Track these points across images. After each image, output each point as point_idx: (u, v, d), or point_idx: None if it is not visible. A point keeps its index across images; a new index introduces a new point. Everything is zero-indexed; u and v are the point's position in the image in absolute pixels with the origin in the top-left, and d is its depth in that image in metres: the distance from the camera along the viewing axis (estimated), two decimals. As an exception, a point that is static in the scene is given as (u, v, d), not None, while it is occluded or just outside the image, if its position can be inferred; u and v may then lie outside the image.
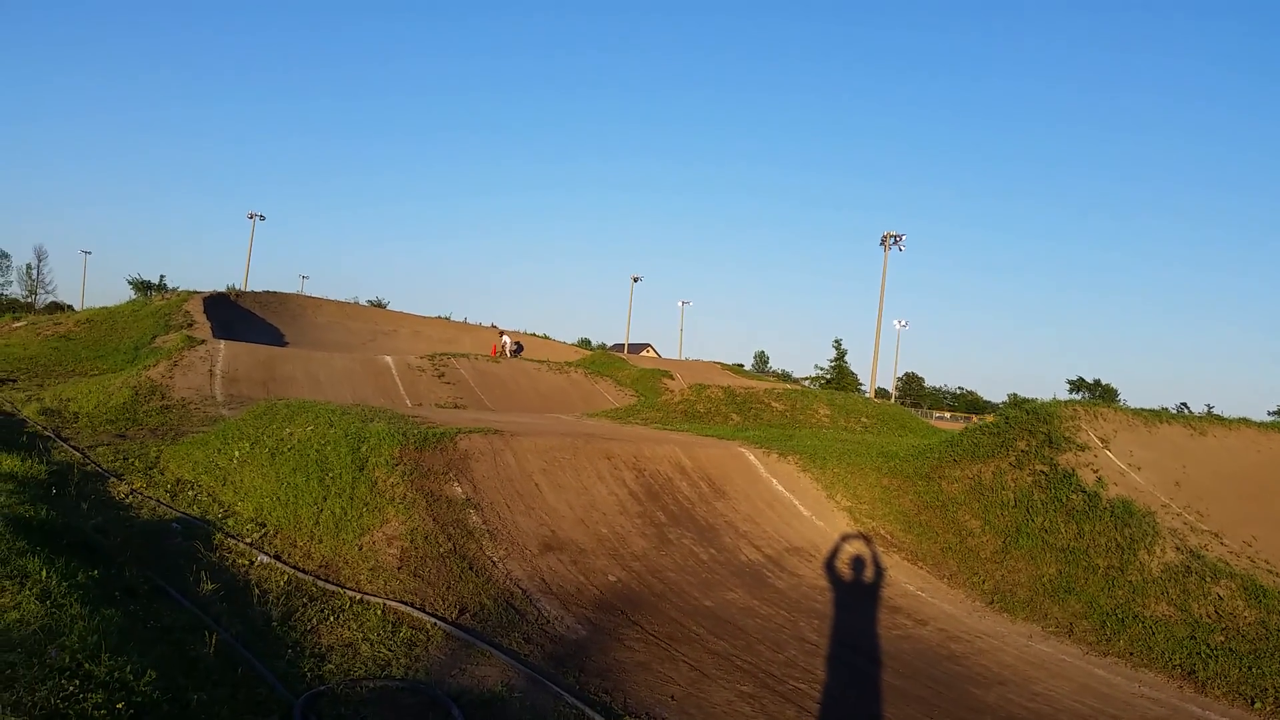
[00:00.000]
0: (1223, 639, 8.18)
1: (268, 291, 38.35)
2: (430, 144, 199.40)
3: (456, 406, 20.40)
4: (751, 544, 10.19)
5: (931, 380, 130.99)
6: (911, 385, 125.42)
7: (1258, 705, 7.13)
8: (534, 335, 49.09)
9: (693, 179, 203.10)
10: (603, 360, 35.23)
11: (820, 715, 6.11)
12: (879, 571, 10.09)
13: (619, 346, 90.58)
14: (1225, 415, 14.91)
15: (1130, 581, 9.37)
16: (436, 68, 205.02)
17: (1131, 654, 8.20)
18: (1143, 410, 13.92)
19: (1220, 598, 8.82)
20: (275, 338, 30.72)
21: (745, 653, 7.10)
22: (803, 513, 11.45)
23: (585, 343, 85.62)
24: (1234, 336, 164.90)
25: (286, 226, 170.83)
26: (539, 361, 29.12)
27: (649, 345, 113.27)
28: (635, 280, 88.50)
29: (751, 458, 12.91)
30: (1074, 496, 10.90)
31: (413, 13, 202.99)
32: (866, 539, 10.99)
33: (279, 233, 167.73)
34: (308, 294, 43.65)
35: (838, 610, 8.79)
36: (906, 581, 9.92)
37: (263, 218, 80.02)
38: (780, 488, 12.05)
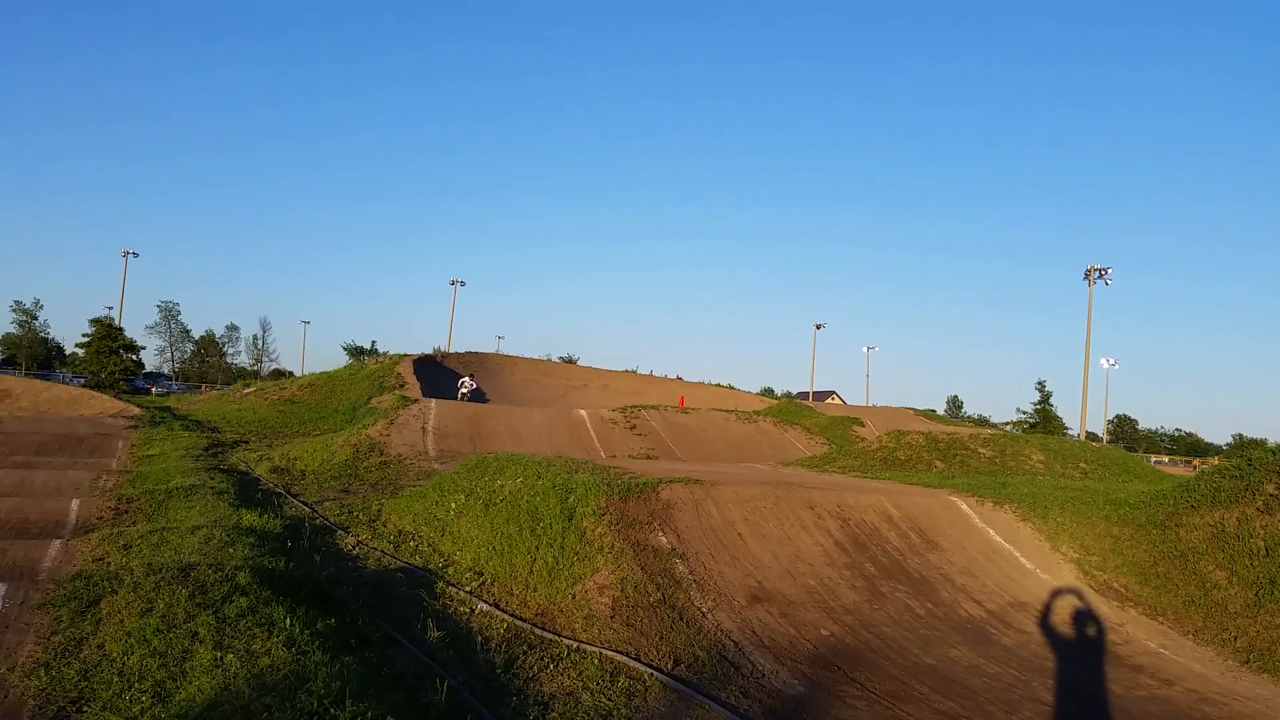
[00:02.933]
0: None
1: (469, 352, 40.43)
2: (606, 200, 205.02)
3: (649, 457, 20.61)
4: (971, 598, 9.66)
5: (1146, 422, 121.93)
6: (1124, 428, 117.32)
7: None
8: (718, 385, 49.21)
9: (875, 219, 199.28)
10: (790, 409, 34.76)
11: (1066, 783, 5.66)
12: (1115, 627, 9.32)
13: (804, 394, 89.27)
14: None
15: None
16: (610, 119, 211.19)
17: None
18: None
19: None
20: (477, 395, 32.25)
21: (977, 714, 6.68)
22: (1025, 565, 10.77)
23: (769, 391, 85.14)
24: None
25: (483, 290, 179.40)
26: (727, 411, 29.09)
27: (834, 393, 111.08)
28: (818, 327, 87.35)
29: (964, 506, 12.31)
30: (1339, 545, 9.76)
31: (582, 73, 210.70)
32: (1099, 592, 10.20)
33: (477, 296, 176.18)
34: (504, 353, 45.67)
35: (1073, 669, 8.18)
36: (1146, 638, 9.12)
37: (463, 283, 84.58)
38: (998, 538, 11.40)
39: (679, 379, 49.16)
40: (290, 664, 5.35)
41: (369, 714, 4.79)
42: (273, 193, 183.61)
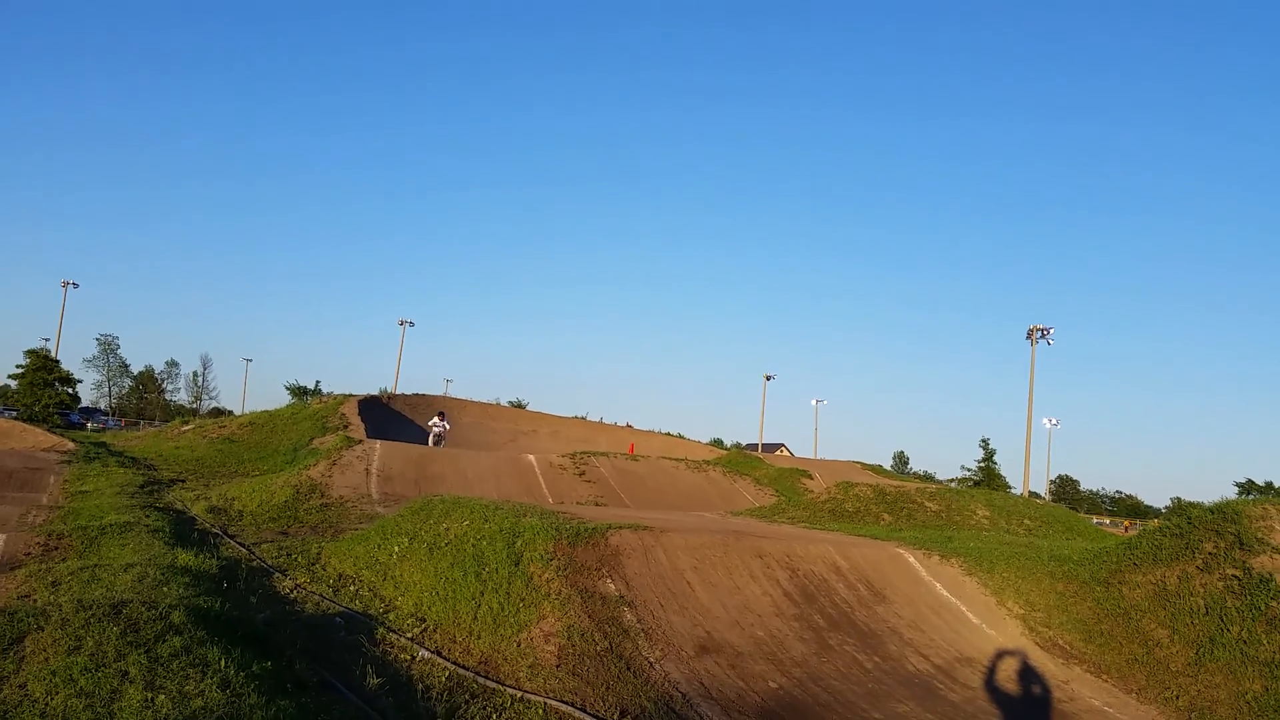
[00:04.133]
0: None
1: (416, 394, 39.97)
2: (560, 245, 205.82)
3: (597, 504, 20.41)
4: (918, 652, 9.63)
5: (1087, 483, 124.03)
6: (1066, 488, 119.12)
7: None
8: (668, 434, 49.14)
9: (827, 276, 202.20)
10: (739, 459, 34.78)
11: (1015, 842, 5.60)
12: (1061, 684, 9.34)
13: (753, 446, 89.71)
14: None
15: (1353, 702, 8.38)
16: (562, 159, 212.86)
17: (1364, 786, 7.26)
18: (1344, 511, 12.68)
19: None
20: (424, 438, 31.79)
21: (923, 769, 6.62)
22: (971, 620, 10.79)
23: (718, 442, 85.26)
24: None
25: (433, 332, 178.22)
26: (677, 460, 29.00)
27: (783, 445, 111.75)
28: (768, 379, 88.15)
29: (911, 560, 12.33)
30: (1274, 604, 9.90)
31: (537, 108, 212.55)
32: (1044, 649, 10.24)
33: (426, 338, 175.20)
34: (452, 395, 45.22)
35: (1018, 725, 8.17)
36: (1091, 696, 9.14)
37: (412, 324, 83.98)
38: (945, 593, 11.42)
39: (629, 426, 49.07)
40: (225, 706, 5.12)
41: (303, 761, 4.59)
42: (217, 227, 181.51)
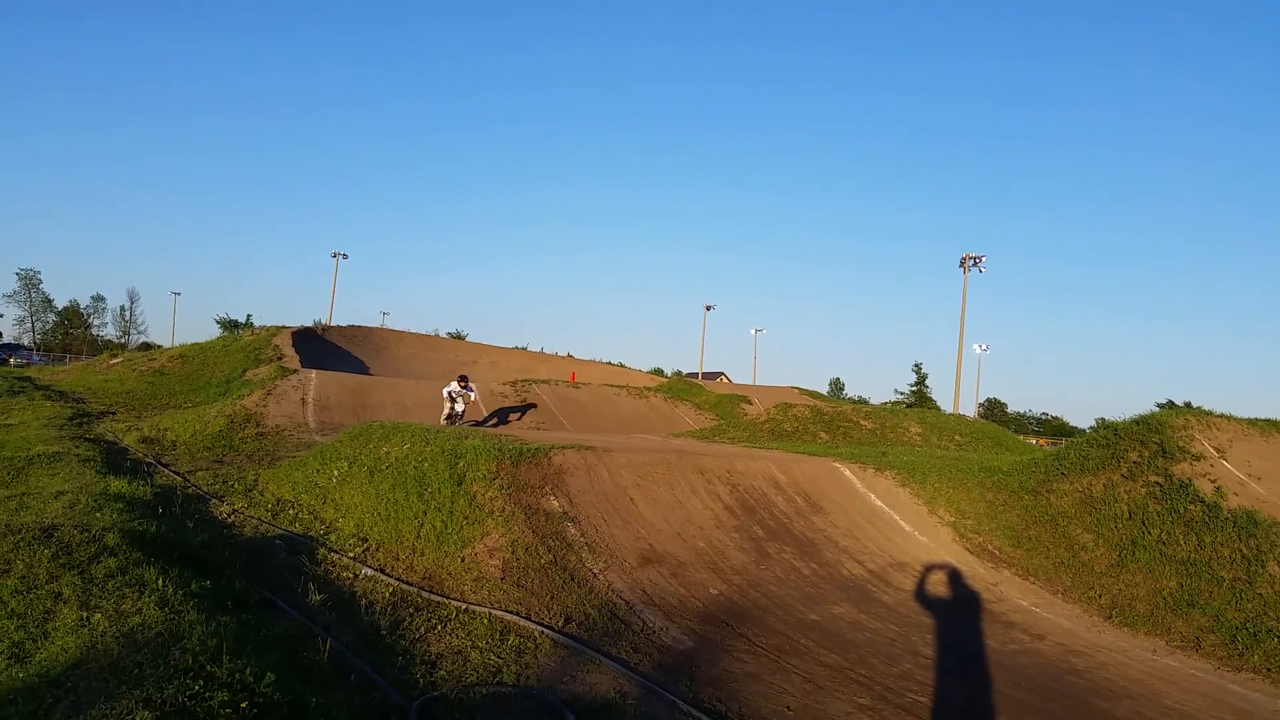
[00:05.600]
0: (1372, 657, 7.65)
1: (352, 326, 39.18)
2: (500, 176, 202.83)
3: (539, 430, 20.45)
4: (854, 559, 9.90)
5: (1015, 406, 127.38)
6: (994, 410, 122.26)
7: None
8: (609, 363, 49.20)
9: (764, 206, 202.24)
10: (680, 386, 35.02)
11: (945, 727, 5.84)
12: (990, 586, 9.70)
13: (693, 374, 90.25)
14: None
15: (1260, 594, 8.84)
16: (504, 103, 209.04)
17: (1269, 669, 7.68)
18: (1258, 420, 13.22)
19: (1365, 614, 8.26)
20: (360, 370, 31.29)
21: (859, 666, 6.84)
22: (904, 528, 11.11)
23: (659, 371, 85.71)
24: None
25: (368, 264, 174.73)
26: (618, 387, 29.10)
27: (723, 374, 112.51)
28: (708, 309, 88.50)
29: (847, 473, 12.61)
30: (1192, 507, 10.38)
31: (486, 50, 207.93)
32: (974, 554, 10.60)
33: (361, 270, 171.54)
34: (389, 327, 44.55)
35: (951, 625, 8.47)
36: (1019, 597, 9.51)
37: (345, 256, 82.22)
38: (879, 503, 11.72)
39: (570, 356, 48.94)
40: (163, 623, 5.06)
41: (247, 670, 4.56)
42: (142, 158, 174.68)
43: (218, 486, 11.19)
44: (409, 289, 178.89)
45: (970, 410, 76.77)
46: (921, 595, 9.16)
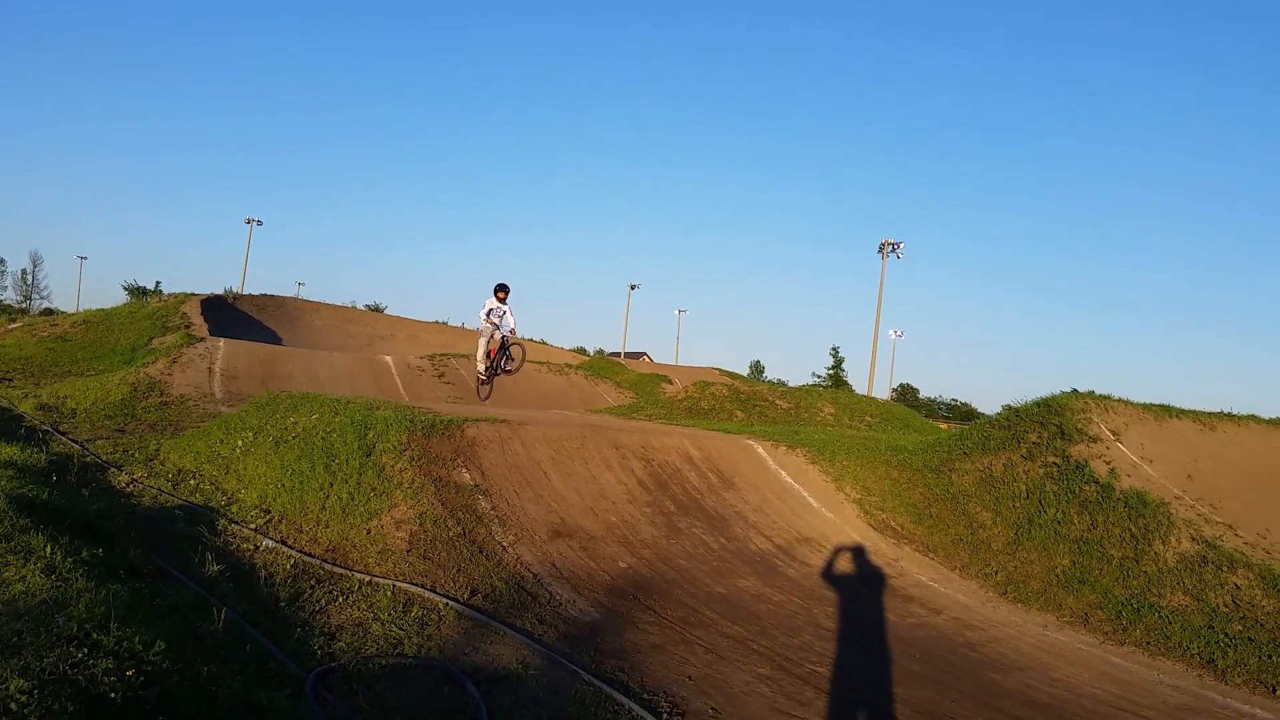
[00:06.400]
0: (1241, 628, 8.07)
1: (264, 295, 38.15)
2: (426, 152, 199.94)
3: (455, 404, 20.24)
4: (762, 534, 10.06)
5: (926, 391, 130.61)
6: (906, 395, 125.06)
7: (1279, 692, 7.00)
8: (531, 340, 48.94)
9: (689, 188, 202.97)
10: (602, 364, 35.07)
11: (838, 696, 5.99)
12: (891, 562, 9.97)
13: (616, 354, 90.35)
14: (1234, 412, 14.78)
15: (1145, 572, 9.26)
16: (428, 77, 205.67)
17: (1149, 643, 8.07)
18: (1152, 405, 13.79)
19: (1238, 587, 8.71)
20: (272, 341, 30.53)
21: (760, 637, 6.98)
22: (812, 504, 11.33)
23: (581, 350, 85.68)
24: (1235, 348, 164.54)
25: (283, 232, 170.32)
26: (538, 363, 28.94)
27: (645, 354, 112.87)
28: (632, 288, 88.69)
29: (760, 450, 12.79)
30: (1087, 488, 10.79)
31: (406, 21, 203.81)
32: (877, 530, 10.88)
33: (276, 238, 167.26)
34: (305, 297, 43.51)
35: (851, 599, 8.69)
36: (919, 572, 9.80)
37: (260, 223, 79.83)
38: (789, 479, 11.93)
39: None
40: (49, 591, 4.88)
41: (136, 638, 4.43)
42: (49, 120, 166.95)
43: (117, 455, 10.84)
44: (327, 260, 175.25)
45: (884, 394, 78.57)
46: (825, 569, 9.37)
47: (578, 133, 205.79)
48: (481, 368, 15.74)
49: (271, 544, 7.52)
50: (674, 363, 79.86)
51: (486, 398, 16.65)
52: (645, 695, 5.45)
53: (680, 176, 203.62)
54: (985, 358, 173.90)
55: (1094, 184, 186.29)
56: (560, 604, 7.00)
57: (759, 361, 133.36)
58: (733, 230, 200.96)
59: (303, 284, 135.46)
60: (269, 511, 8.48)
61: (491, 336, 15.33)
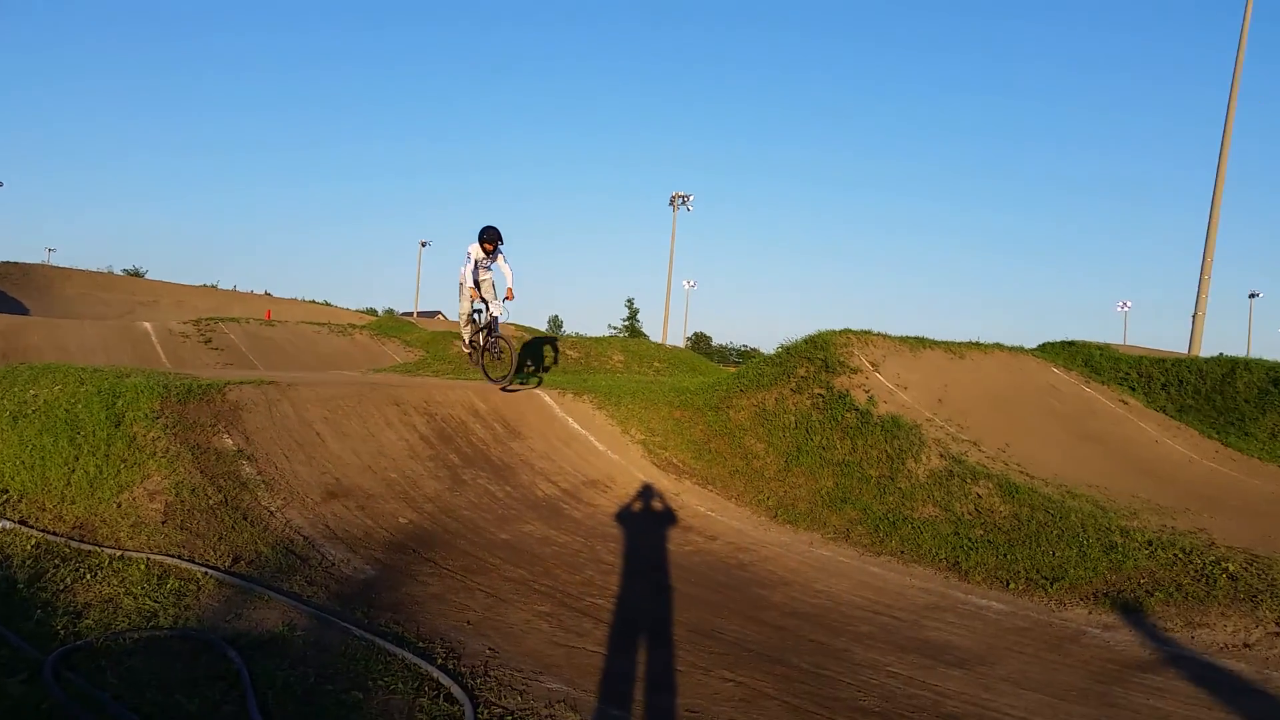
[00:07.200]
0: (981, 532, 8.90)
1: (7, 262, 34.56)
2: (191, 100, 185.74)
3: (224, 369, 19.14)
4: (548, 480, 10.16)
5: (719, 338, 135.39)
6: (700, 343, 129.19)
7: (1011, 586, 7.78)
8: (313, 302, 46.93)
9: (480, 142, 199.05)
10: (390, 323, 33.98)
11: (617, 624, 6.18)
12: (673, 496, 10.33)
13: (409, 314, 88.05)
14: (981, 341, 16.18)
15: (900, 488, 10.03)
16: (184, 10, 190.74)
17: (903, 552, 8.77)
18: (909, 338, 14.89)
19: (979, 496, 9.58)
20: (19, 312, 27.69)
21: (543, 577, 7.07)
22: (599, 448, 11.53)
23: (372, 311, 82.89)
24: (987, 285, 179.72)
25: (27, 195, 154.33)
26: (319, 325, 27.69)
27: (440, 312, 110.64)
28: (424, 245, 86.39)
29: (547, 399, 12.86)
30: (848, 415, 11.53)
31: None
32: (660, 468, 11.23)
33: (20, 202, 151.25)
34: (54, 264, 39.76)
35: (634, 534, 8.94)
36: (698, 504, 10.19)
37: (1, 184, 72.01)
38: (576, 426, 12.09)
39: (267, 295, 46.17)
40: None
41: None
42: None
43: None
44: (78, 223, 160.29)
45: (679, 343, 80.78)
46: (610, 509, 9.59)
47: (350, 81, 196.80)
48: (466, 338, 12.84)
49: (9, 525, 6.88)
50: (468, 320, 78.63)
51: (490, 368, 13.11)
52: (421, 644, 5.41)
53: (471, 132, 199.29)
54: (773, 304, 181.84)
55: (866, 138, 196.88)
56: (333, 564, 6.81)
57: (557, 316, 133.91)
58: (528, 185, 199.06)
59: (53, 249, 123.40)
60: (6, 491, 7.73)
61: (474, 315, 12.23)
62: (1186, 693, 5.47)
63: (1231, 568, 7.36)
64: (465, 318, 12.48)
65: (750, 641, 6.05)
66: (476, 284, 12.24)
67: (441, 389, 12.21)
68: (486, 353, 12.29)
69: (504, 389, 12.06)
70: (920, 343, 14.78)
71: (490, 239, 11.86)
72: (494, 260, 12.27)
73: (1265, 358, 16.68)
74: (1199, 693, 5.48)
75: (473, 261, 12.09)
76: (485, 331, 12.20)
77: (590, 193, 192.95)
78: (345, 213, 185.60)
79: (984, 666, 5.83)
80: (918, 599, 7.45)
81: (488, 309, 11.95)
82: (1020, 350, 16.68)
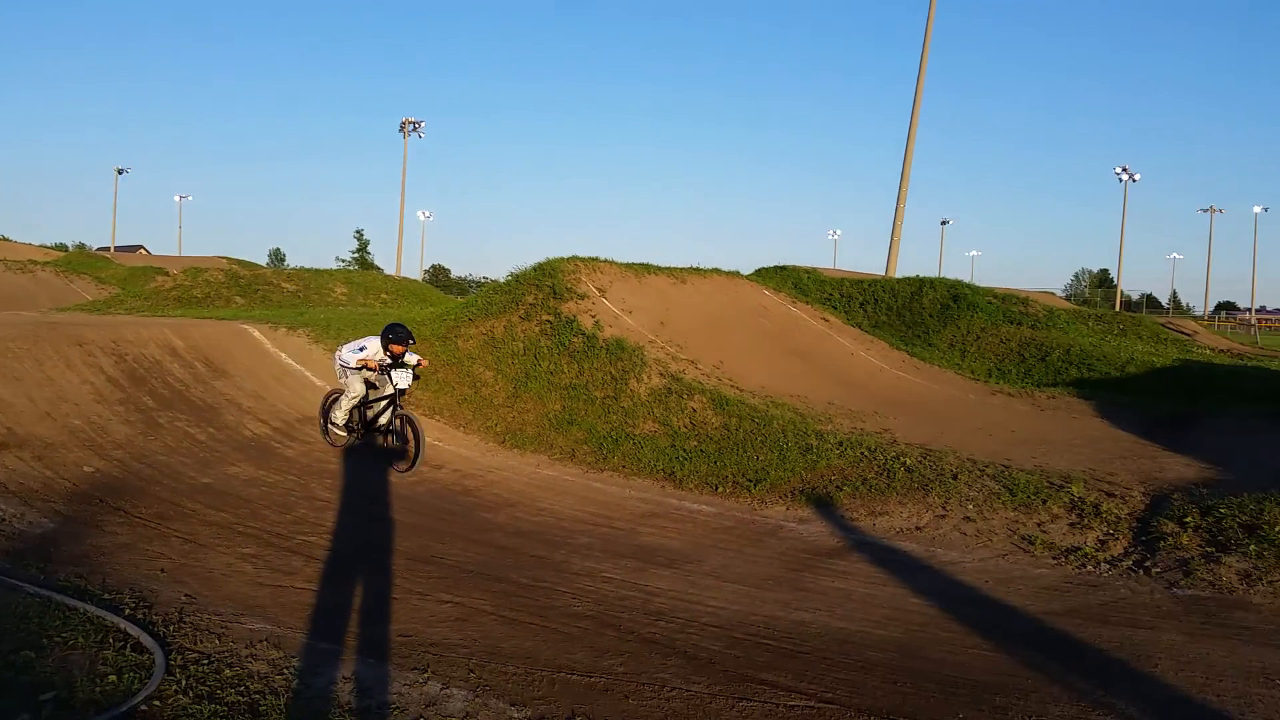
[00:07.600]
0: (695, 444, 9.36)
1: None
2: None
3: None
4: (258, 419, 9.60)
5: (458, 271, 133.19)
6: (438, 276, 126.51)
7: (720, 490, 8.28)
8: (-12, 238, 41.37)
9: (181, 59, 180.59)
10: (81, 259, 30.75)
11: (330, 559, 5.98)
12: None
13: (105, 249, 79.81)
14: (701, 266, 16.88)
15: (623, 407, 10.33)
16: None
17: (624, 467, 9.08)
18: (634, 264, 15.26)
19: (694, 411, 10.05)
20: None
21: (249, 519, 6.70)
22: (316, 383, 11.03)
23: (61, 246, 74.34)
24: (722, 223, 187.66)
25: None
26: (-7, 262, 24.51)
27: (142, 246, 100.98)
28: (120, 172, 78.21)
29: (257, 334, 12.10)
30: (575, 340, 11.69)
31: None
32: (382, 400, 10.91)
33: None
34: None
35: (354, 469, 8.66)
36: (425, 435, 10.01)
37: None
38: (290, 361, 11.48)
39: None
40: None
41: None
42: None
43: None
44: None
45: (416, 275, 78.58)
46: (327, 446, 9.20)
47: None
48: (340, 418, 9.09)
49: None
50: (177, 254, 72.60)
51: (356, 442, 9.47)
52: (106, 596, 4.95)
53: (169, 41, 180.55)
54: (514, 235, 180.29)
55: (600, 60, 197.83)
56: (4, 520, 6.09)
57: (279, 249, 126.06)
58: (237, 108, 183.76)
59: None
60: None
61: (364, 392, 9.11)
62: (867, 573, 6.07)
63: (909, 461, 8.21)
64: (351, 399, 9.13)
65: (471, 563, 6.05)
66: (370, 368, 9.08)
67: (133, 327, 11.18)
68: (386, 435, 9.22)
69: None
70: (645, 269, 15.20)
71: (399, 340, 9.05)
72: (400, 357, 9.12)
73: (949, 277, 18.68)
74: (877, 572, 6.09)
75: (369, 356, 9.03)
76: (389, 407, 9.10)
77: (311, 113, 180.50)
78: (20, 133, 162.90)
79: (690, 564, 6.18)
80: (636, 509, 7.76)
81: (391, 383, 8.88)
82: (736, 275, 17.59)
